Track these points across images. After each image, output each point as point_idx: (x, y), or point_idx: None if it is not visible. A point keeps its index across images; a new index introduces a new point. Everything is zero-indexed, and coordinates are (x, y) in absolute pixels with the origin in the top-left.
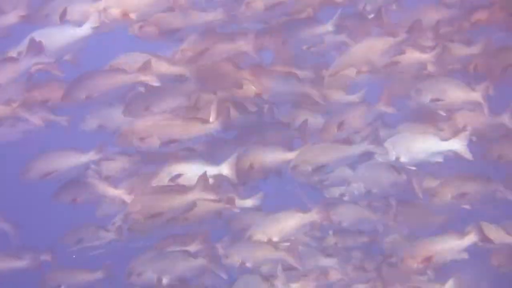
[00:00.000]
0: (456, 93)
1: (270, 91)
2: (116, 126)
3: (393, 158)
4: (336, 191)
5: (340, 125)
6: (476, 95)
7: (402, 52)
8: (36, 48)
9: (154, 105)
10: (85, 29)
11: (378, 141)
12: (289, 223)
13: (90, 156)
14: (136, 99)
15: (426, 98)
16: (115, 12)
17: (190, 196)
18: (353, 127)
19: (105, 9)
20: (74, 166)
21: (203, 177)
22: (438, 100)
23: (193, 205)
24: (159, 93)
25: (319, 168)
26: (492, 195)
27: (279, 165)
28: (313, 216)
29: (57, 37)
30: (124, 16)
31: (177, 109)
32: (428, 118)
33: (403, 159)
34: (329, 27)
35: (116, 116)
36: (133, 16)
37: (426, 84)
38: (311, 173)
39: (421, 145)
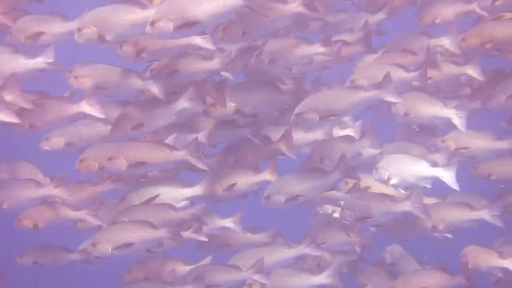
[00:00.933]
0: (425, 108)
1: (250, 103)
2: (86, 144)
3: (385, 178)
4: (329, 208)
5: (322, 159)
6: (446, 112)
7: None
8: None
9: (143, 124)
10: (36, 62)
11: (349, 169)
12: (271, 258)
13: (47, 191)
14: (124, 117)
15: (400, 112)
16: (90, 32)
17: (160, 233)
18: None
19: (79, 29)
20: (29, 200)
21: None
22: (408, 114)
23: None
24: (148, 111)
25: (293, 198)
26: (474, 223)
27: (250, 188)
28: (301, 250)
29: (5, 66)
30: (100, 37)
31: (166, 128)
32: (422, 137)
33: (394, 181)
34: (318, 48)
35: (85, 133)
36: (109, 38)
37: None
38: (285, 204)
39: (412, 169)
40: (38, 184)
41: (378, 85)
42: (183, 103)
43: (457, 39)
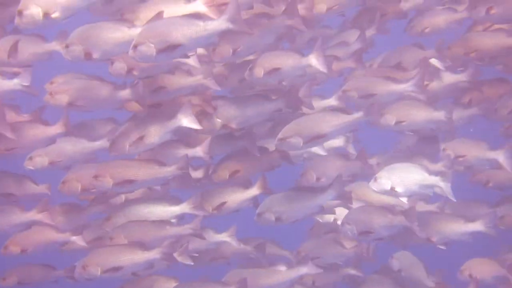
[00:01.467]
0: (418, 114)
1: (237, 118)
2: (70, 162)
3: (389, 187)
4: (330, 217)
5: (318, 179)
6: (438, 115)
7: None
8: None
9: (140, 141)
10: (13, 84)
11: (343, 189)
12: (270, 279)
13: (30, 216)
14: (121, 135)
15: (391, 121)
16: (77, 50)
17: (152, 255)
18: (330, 178)
19: (67, 46)
20: (13, 225)
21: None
22: (401, 122)
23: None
24: (144, 129)
25: (284, 217)
26: (470, 236)
27: (240, 205)
28: (300, 271)
29: None
30: (87, 55)
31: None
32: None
33: (398, 189)
34: (310, 60)
35: (69, 151)
36: (96, 56)
37: (389, 109)
38: (275, 222)
39: (415, 177)
40: (22, 210)
41: (363, 109)
42: (179, 121)
43: (443, 53)
